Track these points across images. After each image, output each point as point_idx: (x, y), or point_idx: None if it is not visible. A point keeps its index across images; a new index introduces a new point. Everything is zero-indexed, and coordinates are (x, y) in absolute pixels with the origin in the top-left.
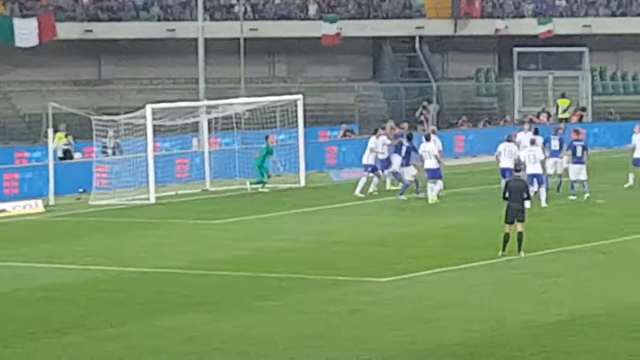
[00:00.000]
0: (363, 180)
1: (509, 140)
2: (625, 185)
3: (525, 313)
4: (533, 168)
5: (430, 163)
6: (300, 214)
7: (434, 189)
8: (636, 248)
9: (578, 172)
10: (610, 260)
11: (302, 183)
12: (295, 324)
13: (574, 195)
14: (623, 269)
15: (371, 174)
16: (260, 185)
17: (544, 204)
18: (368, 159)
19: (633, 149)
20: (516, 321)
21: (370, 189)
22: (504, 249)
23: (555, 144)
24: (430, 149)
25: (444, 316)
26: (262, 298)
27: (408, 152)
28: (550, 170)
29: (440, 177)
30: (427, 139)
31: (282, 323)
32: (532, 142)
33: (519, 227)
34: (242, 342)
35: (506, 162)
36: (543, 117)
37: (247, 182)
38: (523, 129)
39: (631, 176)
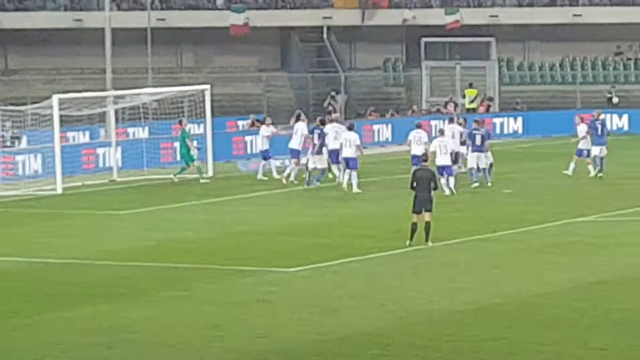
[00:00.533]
0: (296, 168)
1: (418, 127)
2: (564, 172)
3: (433, 302)
4: (443, 159)
5: (349, 152)
6: (208, 204)
7: (349, 180)
8: (542, 237)
9: (476, 160)
10: (517, 250)
11: (210, 173)
12: (203, 313)
13: (476, 182)
14: (530, 258)
15: (294, 160)
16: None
17: (448, 192)
18: (297, 145)
19: (579, 138)
20: (424, 310)
21: (291, 178)
22: (411, 239)
23: (479, 139)
24: (352, 138)
25: (351, 306)
26: (169, 288)
27: (320, 138)
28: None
29: (356, 168)
30: (350, 128)
31: (189, 313)
32: (442, 132)
33: (426, 216)
34: (149, 332)
35: (416, 149)
36: (450, 107)
37: (172, 175)
38: (451, 119)
39: (572, 166)
